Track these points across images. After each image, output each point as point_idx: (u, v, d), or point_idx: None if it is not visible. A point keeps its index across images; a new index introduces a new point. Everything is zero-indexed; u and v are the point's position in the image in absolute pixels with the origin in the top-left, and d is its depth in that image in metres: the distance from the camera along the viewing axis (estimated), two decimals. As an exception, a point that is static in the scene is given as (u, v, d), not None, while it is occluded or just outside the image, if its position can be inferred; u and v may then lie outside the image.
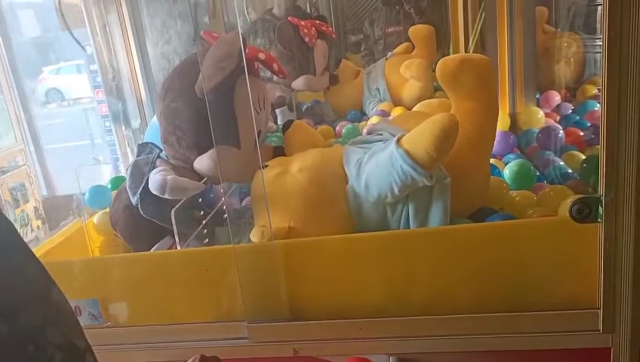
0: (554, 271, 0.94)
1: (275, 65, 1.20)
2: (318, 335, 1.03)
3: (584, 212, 0.86)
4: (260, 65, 1.26)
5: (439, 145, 0.93)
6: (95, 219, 1.45)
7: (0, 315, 0.39)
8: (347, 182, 1.08)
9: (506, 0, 1.54)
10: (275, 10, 2.78)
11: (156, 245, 1.23)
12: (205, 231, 1.22)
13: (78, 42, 2.01)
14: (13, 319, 0.40)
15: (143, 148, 1.29)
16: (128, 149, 2.31)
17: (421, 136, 0.95)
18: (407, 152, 0.96)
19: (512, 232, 0.96)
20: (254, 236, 1.07)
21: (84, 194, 1.51)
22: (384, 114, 1.97)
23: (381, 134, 1.12)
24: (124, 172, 2.56)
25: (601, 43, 0.79)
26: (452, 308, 0.98)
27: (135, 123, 2.23)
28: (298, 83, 2.13)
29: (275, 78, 2.14)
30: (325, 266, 1.04)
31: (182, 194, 1.13)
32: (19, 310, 0.41)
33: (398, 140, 0.99)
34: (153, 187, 1.12)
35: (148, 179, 1.17)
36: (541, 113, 1.61)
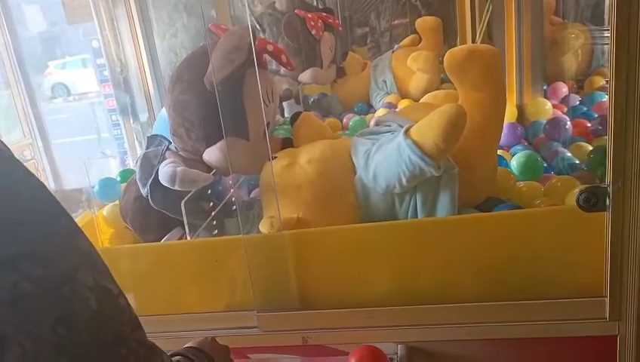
0: (561, 260, 0.95)
1: (283, 57, 1.21)
2: (327, 324, 1.04)
3: (591, 201, 0.87)
4: (268, 58, 1.27)
5: (447, 136, 0.94)
6: (104, 211, 1.46)
7: (36, 259, 0.42)
8: (355, 173, 1.09)
9: (514, -9, 1.54)
10: (278, 5, 2.78)
11: (166, 236, 1.24)
12: (214, 222, 1.24)
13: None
14: (48, 263, 0.42)
15: (152, 140, 1.31)
16: (136, 142, 2.32)
17: (429, 127, 0.96)
18: (415, 143, 0.97)
19: (520, 222, 0.97)
20: (263, 227, 1.08)
21: (93, 187, 1.53)
22: (391, 106, 1.97)
23: (389, 125, 1.13)
24: (132, 165, 2.58)
25: (608, 34, 0.79)
26: (460, 296, 0.99)
27: (143, 116, 2.24)
28: (305, 76, 2.14)
29: (281, 71, 2.15)
30: (334, 256, 1.05)
31: (191, 185, 1.14)
32: (53, 255, 0.44)
33: (406, 131, 1.00)
34: (163, 178, 1.13)
35: (158, 170, 1.18)
36: (549, 104, 1.61)
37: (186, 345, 0.76)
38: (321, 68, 2.16)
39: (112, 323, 0.47)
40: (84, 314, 0.44)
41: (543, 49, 1.66)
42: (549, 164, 1.34)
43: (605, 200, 0.86)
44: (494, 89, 1.04)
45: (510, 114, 1.57)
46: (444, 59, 1.04)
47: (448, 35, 2.40)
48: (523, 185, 1.17)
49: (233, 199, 1.30)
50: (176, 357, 0.68)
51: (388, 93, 2.15)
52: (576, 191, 0.93)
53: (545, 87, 1.78)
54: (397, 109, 1.84)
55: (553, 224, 0.96)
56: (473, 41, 2.05)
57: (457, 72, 1.05)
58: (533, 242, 0.96)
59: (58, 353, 0.41)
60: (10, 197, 0.44)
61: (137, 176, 1.24)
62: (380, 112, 1.89)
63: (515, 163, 1.26)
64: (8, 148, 0.47)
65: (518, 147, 1.43)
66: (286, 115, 2.09)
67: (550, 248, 0.95)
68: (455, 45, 2.42)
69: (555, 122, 1.49)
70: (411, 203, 1.06)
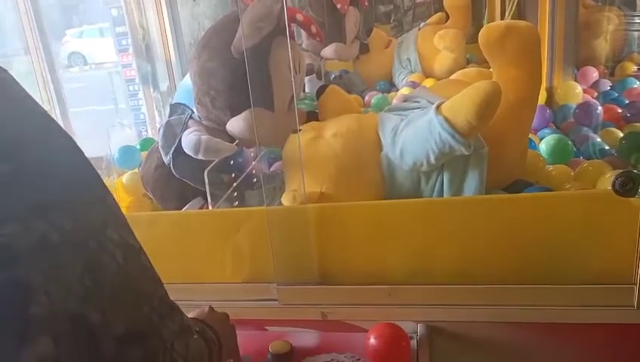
0: (590, 245, 0.93)
1: (312, 28, 1.18)
2: (347, 300, 1.03)
3: (627, 186, 0.84)
4: (295, 28, 1.25)
5: (481, 113, 0.91)
6: (124, 178, 1.46)
7: (67, 211, 0.42)
8: (381, 150, 1.06)
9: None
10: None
11: (187, 205, 1.24)
12: (235, 193, 1.22)
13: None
14: (77, 215, 0.42)
15: (175, 108, 1.29)
16: (156, 112, 2.31)
17: (462, 104, 0.93)
18: (447, 119, 0.94)
19: (551, 205, 0.95)
20: (286, 200, 1.07)
21: (113, 155, 1.52)
22: (414, 85, 1.94)
23: (418, 101, 1.11)
24: (150, 134, 2.58)
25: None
26: (484, 277, 0.98)
27: (163, 85, 2.22)
28: (328, 51, 2.10)
29: (303, 44, 2.12)
30: (356, 232, 1.03)
31: (215, 155, 1.13)
32: (82, 208, 0.44)
33: (438, 107, 0.97)
34: (187, 146, 1.12)
35: (180, 139, 1.17)
36: (579, 88, 1.57)
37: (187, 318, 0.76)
38: (344, 43, 2.12)
39: (136, 280, 0.47)
40: (111, 268, 0.44)
41: (575, 31, 1.61)
42: (577, 148, 1.31)
43: (641, 186, 0.83)
44: (531, 67, 1.01)
45: (539, 96, 1.53)
46: (480, 34, 1.01)
47: (475, 15, 2.35)
48: (552, 168, 1.15)
49: (254, 171, 1.29)
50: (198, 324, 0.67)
51: (412, 72, 2.12)
52: (609, 176, 0.91)
53: (575, 71, 1.73)
54: (421, 86, 1.81)
55: (584, 208, 0.93)
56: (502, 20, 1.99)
57: (493, 49, 1.02)
58: (562, 226, 0.94)
59: (84, 305, 0.40)
60: (44, 148, 0.44)
61: (160, 144, 1.23)
62: (404, 91, 1.86)
63: (544, 146, 1.23)
64: (41, 106, 0.47)
65: (547, 130, 1.40)
66: (307, 90, 2.06)
67: (579, 233, 0.93)
68: (482, 25, 2.37)
69: (585, 107, 1.45)
70: (438, 181, 1.04)
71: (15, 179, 0.39)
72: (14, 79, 0.46)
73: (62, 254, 0.40)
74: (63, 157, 0.45)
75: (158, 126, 2.27)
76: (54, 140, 0.45)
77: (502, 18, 2.05)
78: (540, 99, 1.53)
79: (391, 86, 2.18)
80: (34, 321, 0.36)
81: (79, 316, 0.39)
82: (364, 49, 2.21)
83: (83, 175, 0.47)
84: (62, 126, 0.47)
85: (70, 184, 0.44)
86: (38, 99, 0.47)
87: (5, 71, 0.46)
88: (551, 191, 1.04)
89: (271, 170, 1.40)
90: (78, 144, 0.48)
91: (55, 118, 0.48)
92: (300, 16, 1.16)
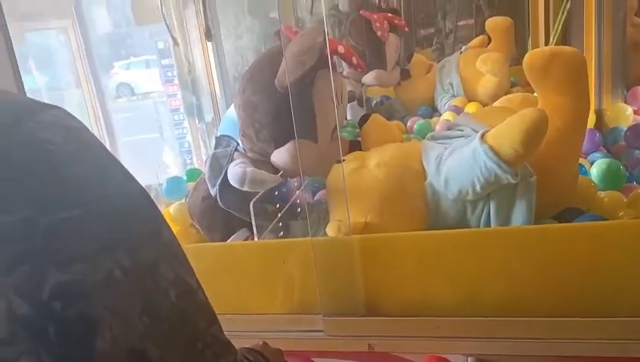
0: (645, 277, 0.89)
1: (354, 59, 1.19)
2: (394, 332, 1.02)
3: (687, 215, 0.81)
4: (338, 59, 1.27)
5: (527, 142, 0.90)
6: (171, 209, 1.49)
7: (124, 250, 0.42)
8: (425, 178, 1.06)
9: (594, -10, 1.47)
10: (341, 6, 2.78)
11: (232, 236, 1.26)
12: (280, 224, 1.24)
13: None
14: (134, 254, 0.43)
15: (220, 141, 1.32)
16: (201, 142, 2.37)
17: (508, 132, 0.92)
18: (492, 148, 0.93)
19: (605, 234, 0.91)
20: (331, 230, 1.07)
21: (160, 185, 1.56)
22: (457, 109, 1.92)
23: (462, 130, 1.10)
24: (195, 163, 2.64)
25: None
26: (534, 310, 0.95)
27: (208, 116, 2.28)
28: (369, 78, 2.11)
29: (344, 72, 2.14)
30: (402, 262, 1.02)
31: (260, 186, 1.14)
32: (138, 246, 0.44)
33: (482, 136, 0.96)
34: (233, 179, 1.14)
35: (226, 171, 1.19)
36: (629, 110, 1.52)
37: (242, 348, 0.76)
38: (385, 70, 2.13)
39: (191, 317, 0.48)
40: (165, 306, 0.44)
41: (624, 51, 1.57)
42: (630, 172, 1.27)
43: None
44: (578, 93, 0.99)
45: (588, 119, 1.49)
46: (525, 60, 1.00)
47: (518, 36, 2.32)
48: (604, 195, 1.11)
49: (298, 201, 1.30)
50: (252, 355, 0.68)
51: (454, 96, 2.10)
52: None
53: (624, 92, 1.68)
54: (464, 112, 1.79)
55: (639, 237, 0.90)
56: (546, 43, 1.97)
57: (538, 75, 1.00)
58: (616, 256, 0.90)
59: (144, 341, 0.41)
60: (106, 188, 0.45)
61: (206, 176, 1.26)
62: (446, 116, 1.85)
63: (595, 171, 1.19)
64: (98, 139, 0.48)
65: (597, 154, 1.36)
66: (348, 117, 2.08)
67: (634, 263, 0.89)
68: (525, 47, 2.34)
69: (637, 129, 1.40)
70: (484, 210, 1.02)
71: (85, 221, 0.41)
72: (71, 115, 0.47)
73: (124, 291, 0.41)
74: (124, 195, 0.46)
75: (203, 156, 2.33)
76: (115, 178, 0.47)
77: (546, 40, 2.02)
78: (588, 123, 1.50)
79: (433, 111, 2.16)
80: (99, 356, 0.38)
81: (139, 352, 0.41)
82: (406, 75, 2.21)
83: (142, 210, 0.48)
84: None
85: (131, 222, 0.45)
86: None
87: (60, 108, 0.47)
88: (603, 219, 1.00)
89: (314, 198, 1.41)
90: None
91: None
92: (341, 49, 1.18)
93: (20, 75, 1.15)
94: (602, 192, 1.13)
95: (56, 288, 0.37)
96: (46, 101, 0.48)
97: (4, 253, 0.37)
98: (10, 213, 0.38)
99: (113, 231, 0.43)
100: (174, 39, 1.97)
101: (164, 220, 0.49)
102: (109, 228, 0.42)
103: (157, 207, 0.49)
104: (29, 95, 1.21)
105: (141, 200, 0.48)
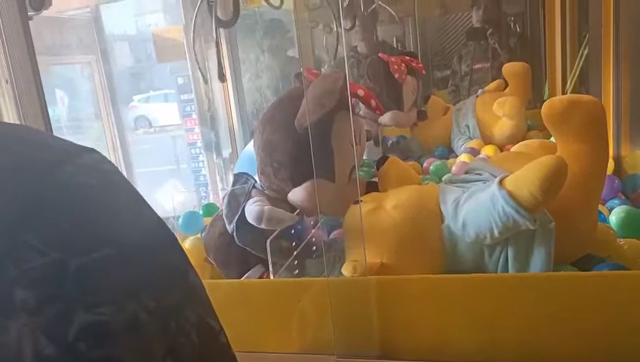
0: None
1: (372, 102, 1.21)
2: (408, 376, 1.01)
3: None
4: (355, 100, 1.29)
5: (546, 188, 0.90)
6: (186, 243, 1.50)
7: (150, 293, 0.42)
8: (443, 221, 1.06)
9: (612, 36, 1.48)
10: (360, 48, 2.83)
11: (247, 273, 1.26)
12: (296, 262, 1.24)
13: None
14: (160, 297, 0.43)
15: (238, 178, 1.34)
16: (218, 177, 2.39)
17: (526, 178, 0.92)
18: (510, 193, 0.93)
19: (623, 284, 0.90)
20: (346, 270, 1.07)
21: (176, 218, 1.58)
22: (474, 152, 1.93)
23: (480, 174, 1.10)
24: (212, 198, 2.65)
25: None
26: (553, 357, 0.93)
27: (225, 152, 2.31)
28: (385, 118, 2.13)
29: (361, 112, 2.16)
30: (418, 305, 1.01)
31: (277, 225, 1.15)
32: (164, 289, 0.44)
33: (501, 181, 0.96)
34: (250, 216, 1.15)
35: (244, 208, 1.20)
36: (648, 157, 1.52)
37: None
38: (402, 110, 2.15)
39: (212, 360, 0.47)
40: (188, 348, 0.44)
41: (642, 98, 1.58)
42: (649, 220, 1.25)
43: None
44: (597, 142, 1.00)
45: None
46: (543, 109, 1.01)
47: (535, 79, 2.34)
48: (624, 242, 1.10)
49: (313, 240, 1.30)
50: None
51: (470, 138, 2.11)
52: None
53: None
54: (480, 156, 1.80)
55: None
56: (563, 88, 1.98)
57: (557, 123, 1.01)
58: (637, 306, 0.89)
59: None
60: (136, 230, 0.45)
61: (224, 213, 1.27)
62: (462, 157, 1.86)
63: (614, 218, 1.19)
64: (127, 179, 0.49)
65: (615, 201, 1.36)
66: (364, 156, 2.09)
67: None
68: (542, 91, 2.36)
69: (656, 176, 1.40)
70: (502, 256, 1.01)
71: (114, 263, 0.41)
72: (106, 159, 0.48)
73: (148, 333, 0.41)
74: (154, 237, 0.47)
75: (219, 191, 2.35)
76: (145, 221, 0.47)
77: (563, 84, 2.03)
78: (607, 169, 1.49)
79: (449, 152, 2.17)
80: None
81: None
82: (422, 116, 2.23)
83: (170, 254, 0.48)
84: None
85: (159, 265, 0.46)
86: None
87: (96, 151, 0.47)
88: (623, 268, 0.99)
89: (329, 237, 1.41)
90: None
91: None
92: (361, 92, 1.20)
93: (46, 107, 1.19)
94: (622, 240, 1.12)
95: (83, 329, 0.38)
96: (65, 130, 0.48)
97: (36, 291, 0.38)
98: (43, 255, 0.39)
99: (141, 273, 0.43)
100: (203, 76, 2.01)
101: (190, 264, 0.50)
102: (137, 270, 0.43)
103: (184, 250, 0.50)
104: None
105: (170, 243, 0.48)
